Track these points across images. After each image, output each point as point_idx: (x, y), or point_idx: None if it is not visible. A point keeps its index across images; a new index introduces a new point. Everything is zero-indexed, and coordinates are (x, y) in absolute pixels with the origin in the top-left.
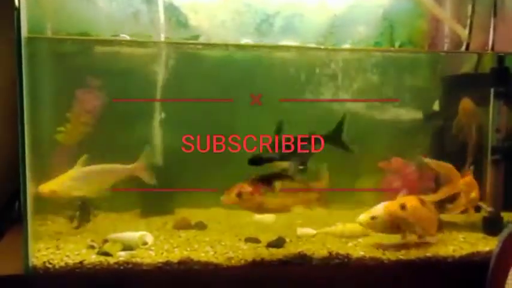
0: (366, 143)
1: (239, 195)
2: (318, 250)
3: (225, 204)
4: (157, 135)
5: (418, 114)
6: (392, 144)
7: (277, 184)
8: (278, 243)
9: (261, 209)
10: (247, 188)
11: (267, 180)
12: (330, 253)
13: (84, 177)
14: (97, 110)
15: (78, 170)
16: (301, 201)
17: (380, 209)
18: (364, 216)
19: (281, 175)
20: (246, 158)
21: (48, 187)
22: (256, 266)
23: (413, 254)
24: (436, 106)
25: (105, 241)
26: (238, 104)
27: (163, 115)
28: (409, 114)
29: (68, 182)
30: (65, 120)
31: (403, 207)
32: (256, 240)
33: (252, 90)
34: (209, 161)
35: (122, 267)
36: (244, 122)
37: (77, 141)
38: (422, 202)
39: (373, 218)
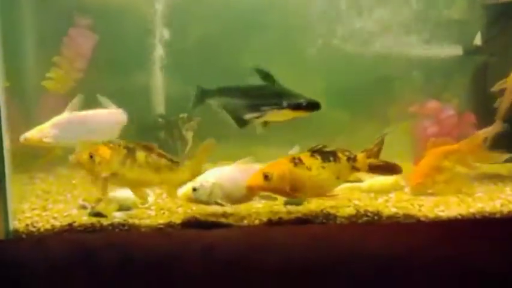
0: (392, 85)
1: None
2: (343, 207)
3: None
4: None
5: (455, 50)
6: (426, 85)
7: None
8: (297, 200)
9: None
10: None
11: None
12: (357, 210)
13: (67, 125)
14: (89, 53)
15: (63, 116)
16: None
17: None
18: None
19: None
20: None
21: (23, 136)
22: (273, 226)
23: (455, 210)
24: (477, 40)
25: (99, 200)
26: None
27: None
28: (445, 50)
29: (46, 129)
30: (53, 65)
31: (266, 177)
32: (272, 198)
33: None
34: None
35: (116, 230)
36: None
37: (67, 89)
38: (296, 163)
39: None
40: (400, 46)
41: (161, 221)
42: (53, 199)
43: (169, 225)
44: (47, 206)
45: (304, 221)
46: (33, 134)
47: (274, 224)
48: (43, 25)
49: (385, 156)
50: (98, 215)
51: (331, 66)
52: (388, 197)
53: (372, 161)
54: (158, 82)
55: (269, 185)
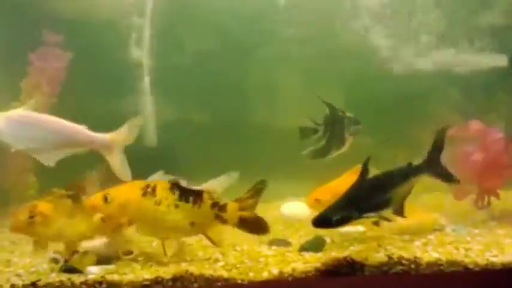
0: (425, 103)
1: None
2: (372, 254)
3: None
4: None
5: (500, 60)
6: (465, 104)
7: None
8: (315, 245)
9: None
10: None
11: None
12: (390, 257)
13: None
14: (61, 76)
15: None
16: None
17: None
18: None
19: None
20: None
21: None
22: (285, 280)
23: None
24: None
25: (75, 252)
26: None
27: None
28: (486, 59)
29: None
30: (20, 91)
31: (105, 199)
32: (284, 243)
33: None
34: None
35: None
36: None
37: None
38: (146, 191)
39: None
40: (433, 58)
41: (147, 276)
42: (20, 251)
43: (157, 281)
44: (11, 261)
45: (324, 272)
46: None
47: (286, 277)
48: (6, 44)
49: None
50: (71, 270)
51: (350, 81)
52: (427, 239)
53: (245, 214)
54: (147, 105)
55: (106, 209)
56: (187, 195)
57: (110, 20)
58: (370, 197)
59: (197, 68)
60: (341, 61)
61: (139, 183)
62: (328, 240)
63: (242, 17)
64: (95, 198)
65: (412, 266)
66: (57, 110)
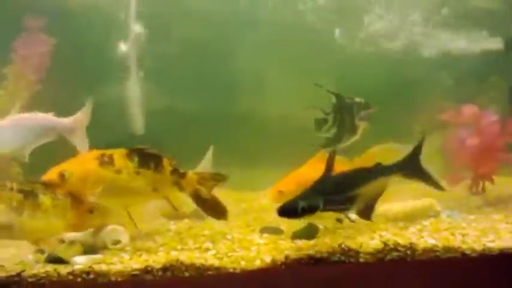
0: (417, 88)
1: None
2: (367, 240)
3: None
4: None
5: (495, 44)
6: (458, 88)
7: None
8: (308, 232)
9: None
10: None
11: None
12: (385, 244)
13: (11, 128)
14: (45, 62)
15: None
16: None
17: None
18: None
19: None
20: None
21: None
22: (278, 268)
23: (509, 239)
24: None
25: (61, 241)
26: None
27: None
28: (479, 42)
29: None
30: (2, 78)
31: (61, 175)
32: (276, 231)
33: None
34: None
35: (78, 280)
36: None
37: (21, 106)
38: (103, 161)
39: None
40: (425, 41)
41: (136, 266)
42: (5, 242)
43: (147, 271)
44: None
45: (317, 260)
46: None
47: (279, 265)
48: None
49: None
50: (56, 260)
51: (340, 67)
52: (422, 226)
53: (202, 190)
54: (134, 92)
55: (65, 186)
56: (147, 161)
57: (95, 5)
58: (336, 191)
59: (185, 56)
60: (331, 47)
61: (93, 154)
62: (321, 227)
63: (230, 4)
64: (51, 175)
65: (408, 252)
66: (42, 98)
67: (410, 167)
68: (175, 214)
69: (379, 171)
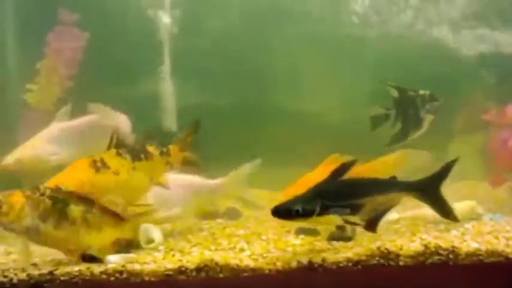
0: (456, 87)
1: None
2: (407, 243)
3: None
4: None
5: None
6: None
7: None
8: (346, 234)
9: None
10: None
11: None
12: (426, 247)
13: (62, 137)
14: (78, 57)
15: (54, 127)
16: None
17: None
18: None
19: None
20: None
21: (12, 157)
22: (313, 271)
23: None
24: None
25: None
26: None
27: None
28: None
29: (40, 145)
30: (36, 74)
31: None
32: (313, 232)
33: None
34: None
35: (112, 279)
36: None
37: (53, 102)
38: (98, 166)
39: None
40: (468, 38)
41: (170, 266)
42: None
43: (180, 271)
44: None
45: (356, 262)
46: (25, 152)
47: (316, 267)
48: (21, 24)
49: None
50: (90, 259)
51: (373, 62)
52: (465, 229)
53: (187, 155)
54: (167, 88)
55: None
56: (138, 153)
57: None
58: (338, 196)
59: (218, 50)
60: (368, 41)
61: (85, 162)
62: (359, 229)
63: None
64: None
65: (451, 256)
66: (74, 94)
67: (428, 191)
68: (208, 213)
69: (393, 185)
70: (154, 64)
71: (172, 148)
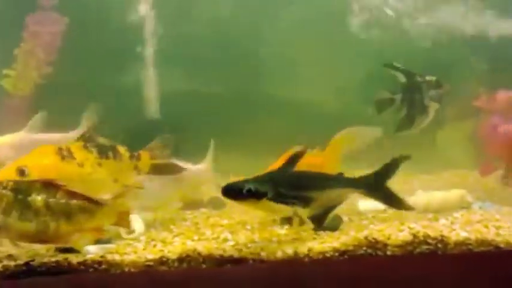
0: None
1: None
2: (395, 232)
3: None
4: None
5: None
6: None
7: None
8: (331, 223)
9: None
10: None
11: None
12: (414, 236)
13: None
14: (57, 42)
15: (22, 135)
16: None
17: None
18: None
19: None
20: None
21: None
22: (301, 261)
23: None
24: None
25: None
26: None
27: None
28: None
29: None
30: (13, 60)
31: (21, 172)
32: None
33: None
34: None
35: (90, 270)
36: None
37: (31, 89)
38: (63, 154)
39: None
40: (459, 22)
41: (151, 256)
42: None
43: (162, 261)
44: (2, 240)
45: (343, 252)
46: None
47: (302, 257)
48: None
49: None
50: (68, 250)
51: (365, 49)
52: (454, 218)
53: (157, 163)
54: (150, 76)
55: None
56: (105, 151)
57: None
58: (290, 186)
59: (209, 37)
60: (362, 28)
61: (51, 148)
62: (345, 218)
63: None
64: (8, 171)
65: (439, 245)
66: (52, 81)
67: (374, 188)
68: (192, 202)
69: (339, 181)
70: (138, 51)
71: (143, 154)
